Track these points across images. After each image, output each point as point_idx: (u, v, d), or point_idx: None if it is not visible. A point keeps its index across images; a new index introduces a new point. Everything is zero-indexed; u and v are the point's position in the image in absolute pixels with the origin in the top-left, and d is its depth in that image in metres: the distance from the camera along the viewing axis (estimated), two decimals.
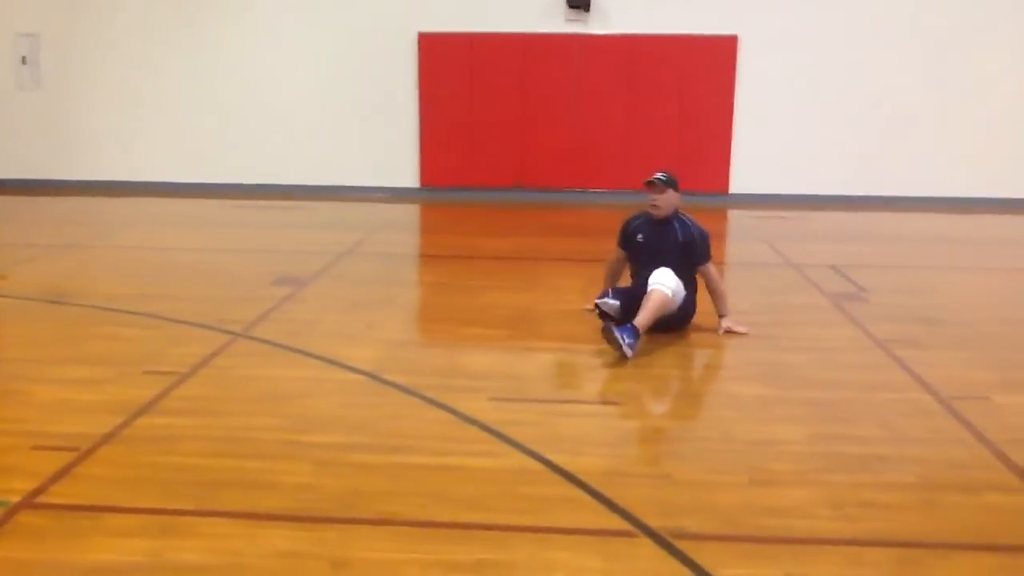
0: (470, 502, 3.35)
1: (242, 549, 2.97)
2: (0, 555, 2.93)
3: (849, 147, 12.18)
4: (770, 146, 12.20)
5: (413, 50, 12.32)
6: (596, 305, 5.37)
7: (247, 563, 2.90)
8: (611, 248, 5.97)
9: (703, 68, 12.13)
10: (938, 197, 12.02)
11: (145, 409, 4.20)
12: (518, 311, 6.20)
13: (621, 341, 4.95)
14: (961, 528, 3.22)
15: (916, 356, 5.18)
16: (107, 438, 3.86)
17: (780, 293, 6.83)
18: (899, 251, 8.95)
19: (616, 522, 3.21)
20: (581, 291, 6.53)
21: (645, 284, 5.34)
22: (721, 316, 5.65)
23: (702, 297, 5.67)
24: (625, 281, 5.86)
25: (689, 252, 5.57)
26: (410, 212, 11.70)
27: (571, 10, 12.03)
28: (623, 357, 4.97)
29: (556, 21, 12.19)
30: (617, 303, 5.31)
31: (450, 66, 12.32)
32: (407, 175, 12.67)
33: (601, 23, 12.16)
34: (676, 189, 5.64)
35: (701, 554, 2.97)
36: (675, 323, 5.52)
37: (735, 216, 11.36)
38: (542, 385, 4.81)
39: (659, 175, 5.63)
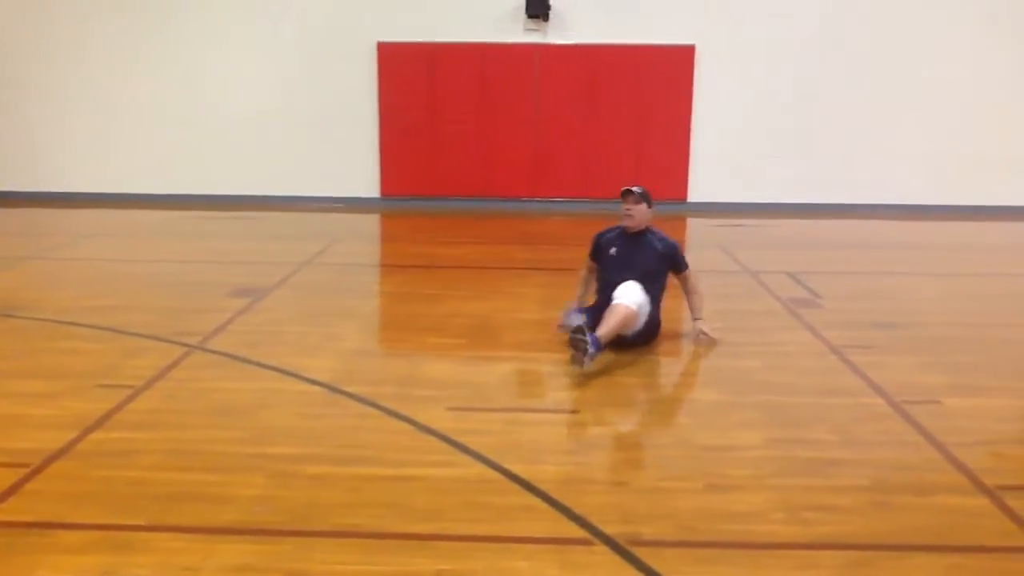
0: (428, 512, 3.34)
1: (197, 564, 2.94)
2: None
3: (805, 156, 12.37)
4: (728, 155, 12.34)
5: (372, 60, 12.30)
6: (566, 327, 5.35)
7: None
8: (573, 257, 5.99)
9: (661, 77, 12.23)
10: (891, 204, 12.26)
11: (99, 423, 4.15)
12: (478, 320, 6.20)
13: (588, 346, 4.86)
14: (913, 530, 3.28)
15: (869, 361, 5.27)
16: (60, 453, 3.80)
17: (737, 300, 6.91)
18: (853, 257, 9.09)
19: (574, 530, 3.23)
20: (540, 300, 6.55)
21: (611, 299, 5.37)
22: (696, 319, 5.71)
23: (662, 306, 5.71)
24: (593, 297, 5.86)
25: (670, 261, 5.66)
26: (371, 222, 11.66)
27: (530, 20, 12.09)
28: (580, 367, 4.96)
29: (515, 31, 12.24)
30: (586, 320, 5.28)
31: (410, 76, 12.31)
32: (367, 185, 12.64)
33: (560, 32, 12.23)
34: (650, 205, 5.70)
35: (658, 560, 3.01)
36: (641, 339, 5.50)
37: (693, 224, 11.47)
38: (501, 394, 4.81)
39: (635, 188, 5.70)
